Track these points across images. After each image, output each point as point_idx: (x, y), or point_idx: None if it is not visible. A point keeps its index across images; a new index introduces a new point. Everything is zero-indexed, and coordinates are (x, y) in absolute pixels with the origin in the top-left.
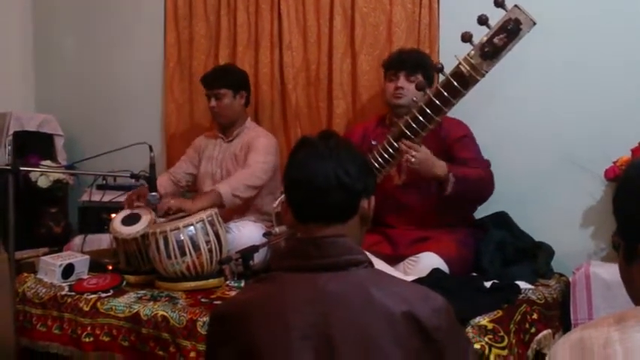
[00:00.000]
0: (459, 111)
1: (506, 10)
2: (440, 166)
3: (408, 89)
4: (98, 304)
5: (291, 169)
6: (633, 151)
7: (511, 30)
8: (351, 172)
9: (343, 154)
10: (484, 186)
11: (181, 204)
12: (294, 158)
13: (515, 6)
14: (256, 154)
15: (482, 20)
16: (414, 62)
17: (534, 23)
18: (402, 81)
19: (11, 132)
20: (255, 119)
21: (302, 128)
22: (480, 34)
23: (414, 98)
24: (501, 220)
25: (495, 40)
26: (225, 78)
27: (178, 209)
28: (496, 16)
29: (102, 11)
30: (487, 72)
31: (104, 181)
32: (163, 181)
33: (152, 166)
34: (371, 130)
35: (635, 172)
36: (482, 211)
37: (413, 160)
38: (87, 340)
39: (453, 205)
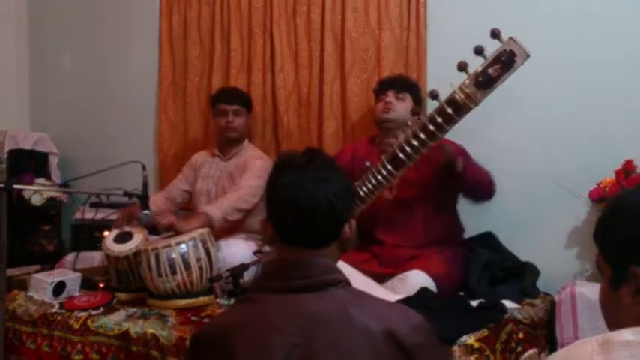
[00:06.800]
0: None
1: (502, 42)
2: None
3: (396, 105)
4: (88, 321)
5: (279, 190)
6: (617, 172)
7: (505, 61)
8: (340, 194)
9: (332, 176)
10: (490, 180)
11: (173, 222)
12: (281, 178)
13: (511, 38)
14: (249, 177)
15: (478, 50)
16: (402, 82)
17: (528, 56)
18: (390, 97)
19: (6, 150)
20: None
21: (293, 148)
22: (473, 63)
23: (409, 123)
24: (488, 240)
25: (490, 70)
26: (243, 97)
27: (170, 226)
28: (489, 45)
29: (97, 31)
30: (481, 101)
31: (97, 199)
32: (158, 200)
33: (145, 184)
34: (361, 150)
35: (634, 196)
36: (469, 231)
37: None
38: (77, 357)
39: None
